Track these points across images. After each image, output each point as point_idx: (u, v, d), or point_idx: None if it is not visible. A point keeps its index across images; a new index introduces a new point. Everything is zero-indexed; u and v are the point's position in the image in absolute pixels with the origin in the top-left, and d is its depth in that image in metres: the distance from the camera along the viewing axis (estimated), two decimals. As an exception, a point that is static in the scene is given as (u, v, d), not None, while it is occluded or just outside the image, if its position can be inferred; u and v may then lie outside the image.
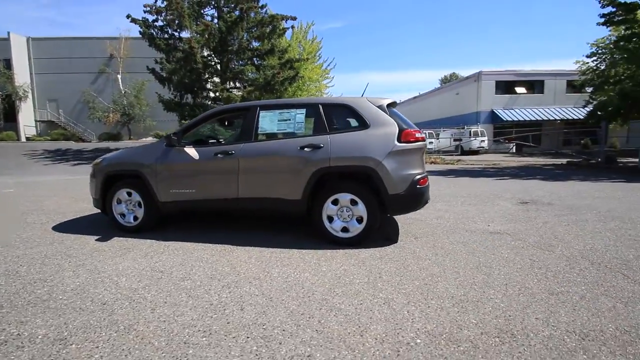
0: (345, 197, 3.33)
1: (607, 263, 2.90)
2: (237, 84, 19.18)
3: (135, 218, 3.91)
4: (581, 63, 21.91)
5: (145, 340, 1.83)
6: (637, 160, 13.20)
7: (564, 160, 14.83)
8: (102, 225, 4.30)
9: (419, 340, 1.82)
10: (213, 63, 18.07)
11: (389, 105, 3.50)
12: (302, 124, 3.52)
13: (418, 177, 3.31)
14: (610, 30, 20.39)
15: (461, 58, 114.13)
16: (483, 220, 4.44)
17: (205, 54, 17.31)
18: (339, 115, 3.50)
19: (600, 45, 20.50)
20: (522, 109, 25.53)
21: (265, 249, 3.31)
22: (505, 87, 25.92)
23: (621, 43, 12.56)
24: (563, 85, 26.09)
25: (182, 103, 16.84)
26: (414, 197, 3.30)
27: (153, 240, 3.62)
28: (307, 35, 22.45)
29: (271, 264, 2.93)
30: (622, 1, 11.88)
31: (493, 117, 25.63)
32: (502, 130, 25.68)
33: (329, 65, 23.95)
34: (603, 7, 12.48)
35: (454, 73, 61.80)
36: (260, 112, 3.65)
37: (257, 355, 1.70)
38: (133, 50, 26.96)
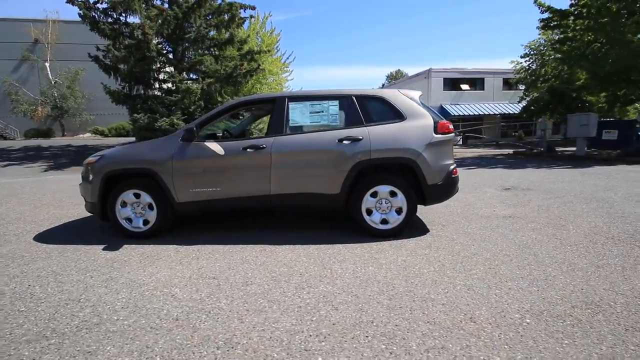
0: (384, 189, 3.33)
1: (618, 237, 3.28)
2: (193, 75, 18.04)
3: (145, 222, 3.49)
4: (516, 63, 24.31)
5: (261, 354, 1.65)
6: (570, 148, 15.12)
7: (510, 150, 16.43)
8: (93, 232, 3.77)
9: (528, 320, 1.90)
10: (165, 51, 16.75)
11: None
12: (337, 116, 3.42)
13: (452, 167, 3.43)
14: (539, 34, 22.94)
15: (405, 55, 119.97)
16: (485, 206, 4.75)
17: (155, 41, 15.95)
18: (373, 107, 3.46)
19: (533, 47, 22.89)
20: (466, 104, 27.72)
21: (307, 246, 3.18)
22: (451, 84, 27.90)
23: (556, 45, 14.19)
24: (500, 83, 28.85)
25: (133, 95, 15.36)
26: (450, 186, 3.42)
27: (175, 246, 3.27)
28: (264, 27, 21.82)
29: (325, 260, 2.82)
30: (558, 8, 13.40)
31: (442, 112, 27.43)
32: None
33: (287, 58, 23.55)
34: (542, 12, 13.95)
35: (399, 70, 64.62)
36: (290, 103, 3.46)
37: (391, 353, 1.64)
38: (64, 35, 23.78)
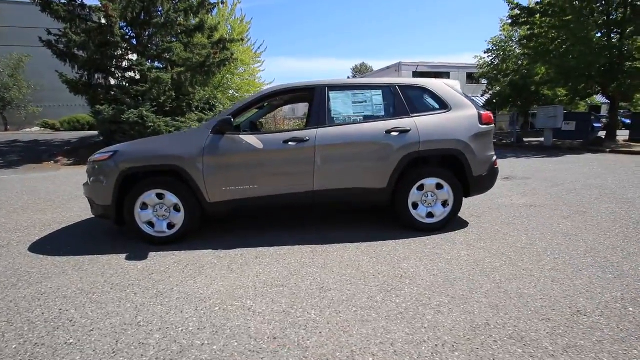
0: (431, 182, 3.23)
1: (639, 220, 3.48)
2: (159, 64, 16.84)
3: (170, 226, 3.10)
4: (479, 58, 25.50)
5: (399, 371, 1.47)
6: (534, 139, 16.20)
7: (480, 141, 17.26)
8: (101, 239, 3.31)
9: (631, 309, 1.89)
10: (128, 37, 15.44)
11: None
12: (382, 106, 3.24)
13: (494, 158, 3.41)
14: (500, 31, 24.15)
15: (369, 49, 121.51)
16: (502, 196, 4.86)
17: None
18: (417, 97, 3.33)
19: (495, 43, 24.07)
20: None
21: (358, 244, 3.00)
22: (420, 77, 28.69)
23: (524, 41, 15.01)
24: (464, 77, 30.19)
25: (94, 84, 13.98)
26: (492, 177, 3.40)
27: (212, 250, 2.94)
28: (234, 14, 20.84)
29: (388, 258, 2.67)
30: (526, 5, 14.12)
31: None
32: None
33: (259, 48, 22.73)
34: (511, 9, 14.64)
35: (363, 63, 65.31)
36: (330, 92, 3.23)
37: (532, 357, 1.53)
38: (5, 17, 20.97)
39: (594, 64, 12.29)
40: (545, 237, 3.11)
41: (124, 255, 2.87)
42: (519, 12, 14.36)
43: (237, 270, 2.54)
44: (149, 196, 3.05)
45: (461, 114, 3.26)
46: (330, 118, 3.17)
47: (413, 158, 3.14)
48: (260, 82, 22.31)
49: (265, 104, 3.93)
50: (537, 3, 13.57)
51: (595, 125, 15.44)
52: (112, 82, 15.35)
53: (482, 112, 3.33)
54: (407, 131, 3.13)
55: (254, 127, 4.11)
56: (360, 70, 61.13)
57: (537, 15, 13.69)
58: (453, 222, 3.50)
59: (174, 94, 14.58)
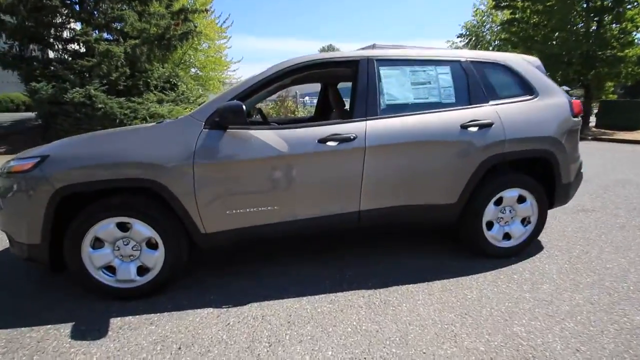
0: (512, 194, 2.39)
1: None
2: (110, 35, 14.56)
3: (142, 271, 2.00)
4: (451, 43, 25.28)
5: None
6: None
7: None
8: (23, 292, 2.15)
9: None
10: (69, 2, 13.06)
11: None
12: (451, 90, 2.30)
13: (581, 160, 2.64)
14: (473, 15, 23.98)
15: (339, 31, 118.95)
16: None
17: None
18: (496, 78, 2.42)
19: (468, 27, 23.90)
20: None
21: (423, 287, 2.11)
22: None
23: (506, 25, 14.67)
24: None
25: (28, 57, 11.66)
26: (578, 185, 2.65)
27: (210, 310, 1.91)
28: (194, -19, 18.59)
29: (487, 317, 1.82)
30: (509, -12, 13.66)
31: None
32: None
33: (224, 22, 20.61)
34: (495, -9, 14.15)
35: (331, 45, 63.83)
36: (381, 68, 2.22)
37: None
38: None
39: (575, 50, 12.21)
40: (629, 247, 2.42)
41: (65, 328, 1.75)
42: (501, -5, 13.91)
43: (265, 354, 1.55)
44: (106, 227, 1.91)
45: (550, 102, 2.43)
46: (382, 106, 2.18)
47: (496, 162, 2.27)
48: (228, 60, 20.36)
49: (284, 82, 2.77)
50: (519, -14, 13.18)
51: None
52: (51, 55, 13.02)
53: (571, 100, 2.52)
54: (489, 125, 2.24)
55: (263, 117, 2.96)
56: (328, 51, 59.70)
57: (520, 0, 13.34)
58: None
59: (127, 71, 12.58)
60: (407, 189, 2.19)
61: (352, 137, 2.04)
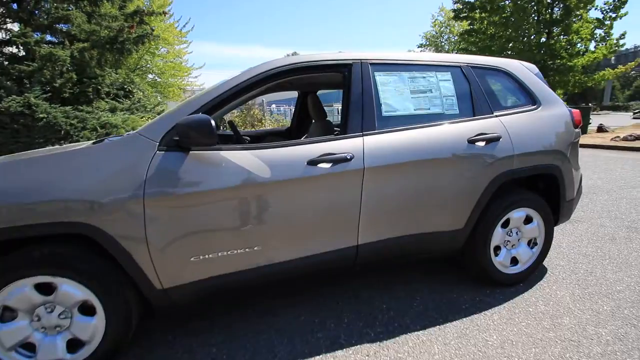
0: (519, 215, 2.15)
1: None
2: (54, 37, 13.30)
3: (75, 344, 1.49)
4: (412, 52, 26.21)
5: None
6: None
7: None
8: None
9: None
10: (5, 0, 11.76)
11: None
12: (453, 99, 2.01)
13: (581, 173, 2.48)
14: (431, 26, 24.95)
15: (304, 39, 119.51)
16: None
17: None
18: (497, 86, 2.19)
19: (428, 37, 24.81)
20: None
21: (435, 332, 1.78)
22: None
23: (465, 36, 15.27)
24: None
25: (-49, 61, 10.23)
26: (578, 200, 2.47)
27: None
28: (149, -19, 17.60)
29: (512, 345, 1.52)
30: (467, 0, 14.25)
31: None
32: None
33: (184, 25, 19.67)
34: (454, 3, 14.72)
35: (295, 52, 64.11)
36: (376, 74, 1.89)
37: None
38: None
39: (529, 60, 12.90)
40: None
41: None
42: (460, 7, 14.49)
43: None
44: (20, 292, 1.38)
45: (553, 112, 2.23)
46: (380, 118, 1.84)
47: (505, 181, 2.01)
48: (189, 65, 19.40)
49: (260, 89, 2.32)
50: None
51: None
52: (-20, 58, 11.57)
53: (571, 110, 2.35)
54: (496, 139, 1.98)
55: (235, 131, 2.47)
56: (294, 59, 59.90)
57: (477, 11, 13.94)
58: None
59: (74, 77, 11.45)
60: (410, 215, 1.86)
61: (348, 157, 1.68)
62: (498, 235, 2.13)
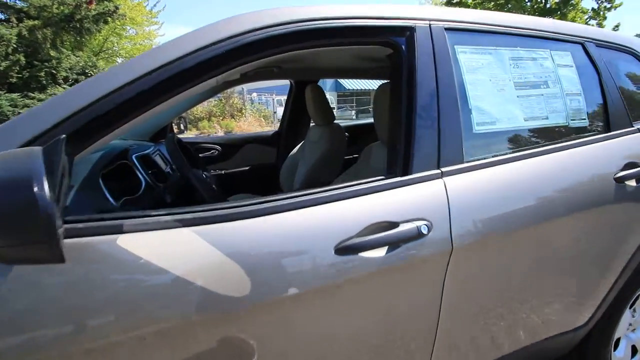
0: (646, 289, 1.35)
1: None
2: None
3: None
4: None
5: None
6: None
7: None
8: None
9: None
10: None
11: None
12: (580, 100, 1.14)
13: None
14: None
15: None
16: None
17: None
18: (629, 79, 1.32)
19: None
20: (358, 79, 27.91)
21: None
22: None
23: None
24: (386, 59, 30.10)
25: None
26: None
27: None
28: (115, -46, 15.82)
29: None
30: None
31: (337, 86, 26.86)
32: (344, 97, 27.45)
33: (155, 5, 17.79)
34: (446, -11, 13.98)
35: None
36: (458, 49, 0.96)
37: None
38: None
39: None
40: None
41: None
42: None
43: None
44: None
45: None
46: (471, 137, 0.93)
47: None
48: (162, 50, 17.87)
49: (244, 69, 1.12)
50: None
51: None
52: None
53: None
54: (649, 169, 1.13)
55: (186, 152, 1.33)
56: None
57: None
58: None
59: (23, 59, 10.03)
60: (525, 316, 1.00)
61: (422, 230, 0.77)
62: (625, 322, 1.32)
